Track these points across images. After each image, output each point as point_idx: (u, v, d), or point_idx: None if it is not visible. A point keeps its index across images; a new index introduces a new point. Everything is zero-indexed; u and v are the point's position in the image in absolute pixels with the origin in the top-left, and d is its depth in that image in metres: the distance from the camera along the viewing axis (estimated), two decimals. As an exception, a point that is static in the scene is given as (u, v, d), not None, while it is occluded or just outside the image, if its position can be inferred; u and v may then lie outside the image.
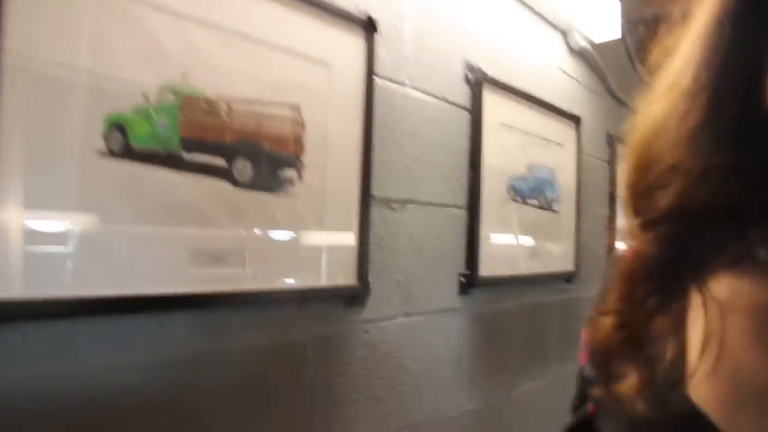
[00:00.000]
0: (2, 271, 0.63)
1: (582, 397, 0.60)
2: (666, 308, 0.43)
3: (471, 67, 1.37)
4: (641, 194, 0.44)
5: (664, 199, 0.41)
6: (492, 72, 1.44)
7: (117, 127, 0.72)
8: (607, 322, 0.46)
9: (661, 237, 0.43)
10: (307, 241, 0.98)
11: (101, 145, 0.71)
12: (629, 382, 0.42)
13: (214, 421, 0.85)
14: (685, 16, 0.43)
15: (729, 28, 0.39)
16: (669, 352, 0.41)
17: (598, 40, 1.84)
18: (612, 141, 2.14)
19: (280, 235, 0.93)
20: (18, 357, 0.66)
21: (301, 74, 0.95)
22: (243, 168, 0.87)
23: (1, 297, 0.62)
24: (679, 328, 0.42)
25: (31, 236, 0.66)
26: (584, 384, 0.58)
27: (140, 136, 0.74)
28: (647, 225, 0.44)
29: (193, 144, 0.81)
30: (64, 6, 0.68)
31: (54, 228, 0.68)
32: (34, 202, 0.66)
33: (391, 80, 1.16)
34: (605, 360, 0.46)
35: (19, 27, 0.64)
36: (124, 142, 0.73)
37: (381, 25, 1.11)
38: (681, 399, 0.39)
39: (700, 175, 0.39)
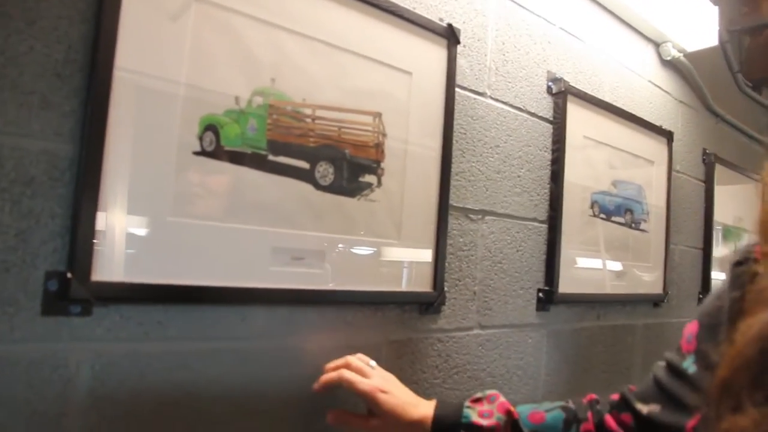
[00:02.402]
0: (106, 256, 0.69)
1: (664, 390, 0.57)
2: None
3: (554, 78, 1.35)
4: None
5: None
6: (577, 83, 1.41)
7: (210, 128, 0.77)
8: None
9: None
10: (384, 246, 0.99)
11: (196, 144, 0.76)
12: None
13: (290, 416, 0.88)
14: None
15: None
16: None
17: (691, 49, 1.75)
18: (709, 159, 2.02)
19: (358, 238, 0.95)
20: (116, 336, 0.71)
21: (384, 83, 0.98)
22: (325, 171, 0.90)
23: (103, 279, 0.68)
24: None
25: (130, 227, 0.72)
26: (675, 374, 0.55)
27: (231, 137, 0.79)
28: None
29: (278, 146, 0.85)
30: (169, 22, 0.75)
31: (150, 220, 0.73)
32: (134, 196, 0.72)
33: (472, 91, 1.17)
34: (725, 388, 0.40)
35: (129, 46, 0.71)
36: (215, 142, 0.78)
37: (463, 36, 1.13)
38: None
39: None
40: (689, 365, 0.55)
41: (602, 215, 1.51)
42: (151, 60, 0.73)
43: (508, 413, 0.77)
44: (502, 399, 0.80)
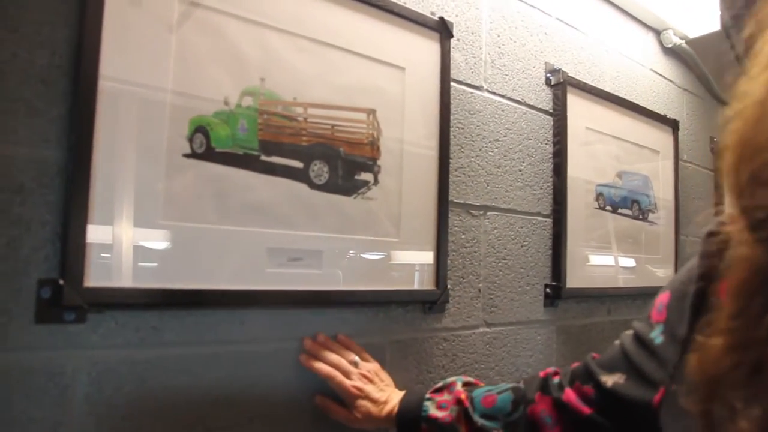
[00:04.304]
0: (99, 262, 0.68)
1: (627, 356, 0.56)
2: None
3: (553, 70, 1.33)
4: (745, 190, 0.37)
5: None
6: (576, 74, 1.39)
7: (200, 129, 0.77)
8: (716, 343, 0.39)
9: None
10: (384, 244, 0.98)
11: (186, 147, 0.76)
12: (752, 420, 0.35)
13: (291, 420, 0.86)
14: None
15: None
16: None
17: (693, 35, 1.72)
18: (717, 147, 1.99)
19: (357, 237, 0.94)
20: (112, 342, 0.70)
21: (376, 79, 0.97)
22: (319, 170, 0.89)
23: (97, 285, 0.68)
24: None
25: (122, 232, 0.71)
26: (641, 344, 0.54)
27: (221, 138, 0.79)
28: (755, 226, 0.37)
29: (271, 146, 0.84)
30: (154, 24, 0.74)
31: (143, 224, 0.73)
32: (125, 201, 0.71)
33: (468, 84, 1.16)
34: (714, 390, 0.39)
35: (114, 48, 0.71)
36: (206, 144, 0.77)
37: (457, 30, 1.11)
38: None
39: None
40: (656, 335, 0.54)
41: (608, 207, 1.48)
42: (137, 62, 0.73)
43: (459, 402, 0.78)
44: (458, 387, 0.81)
